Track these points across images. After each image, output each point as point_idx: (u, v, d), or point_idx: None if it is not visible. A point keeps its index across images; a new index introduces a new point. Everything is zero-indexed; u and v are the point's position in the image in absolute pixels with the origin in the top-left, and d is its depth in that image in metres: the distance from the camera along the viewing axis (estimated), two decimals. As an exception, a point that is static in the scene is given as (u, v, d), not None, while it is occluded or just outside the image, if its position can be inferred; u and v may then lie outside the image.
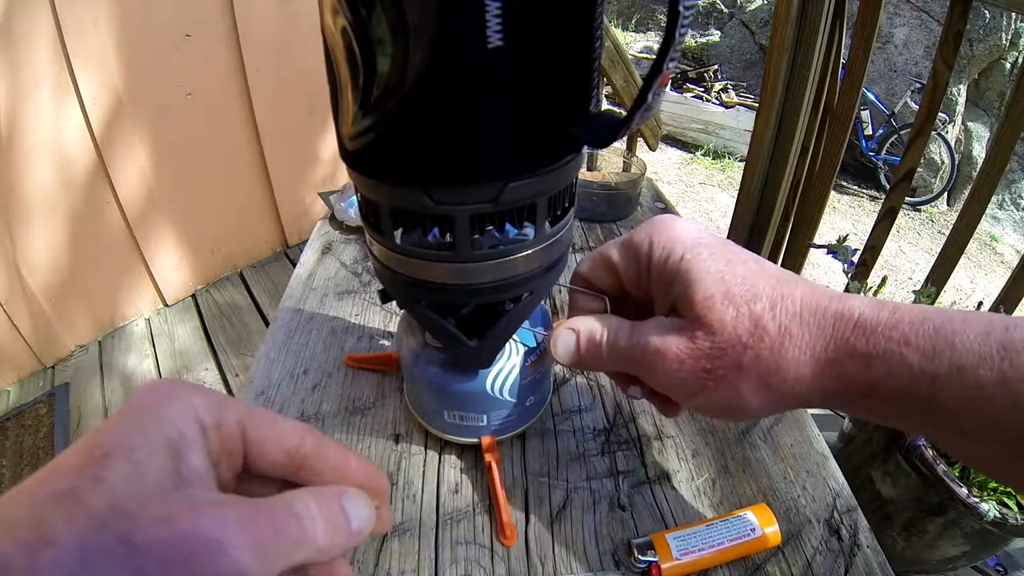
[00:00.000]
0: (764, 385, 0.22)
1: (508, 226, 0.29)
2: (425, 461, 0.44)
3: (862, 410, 0.21)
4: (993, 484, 0.72)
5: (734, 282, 0.21)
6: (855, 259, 0.89)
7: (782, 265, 1.29)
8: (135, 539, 0.13)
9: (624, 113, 0.26)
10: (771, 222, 1.25)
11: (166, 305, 1.87)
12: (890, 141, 3.78)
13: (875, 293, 0.81)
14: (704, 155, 4.01)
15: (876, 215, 0.99)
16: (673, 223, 0.25)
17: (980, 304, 0.77)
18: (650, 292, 0.25)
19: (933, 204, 3.77)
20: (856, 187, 3.90)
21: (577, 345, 0.28)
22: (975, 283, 2.94)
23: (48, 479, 0.14)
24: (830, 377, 0.21)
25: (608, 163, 0.87)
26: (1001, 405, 0.17)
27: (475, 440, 0.42)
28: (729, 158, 3.95)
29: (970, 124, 3.91)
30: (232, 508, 0.15)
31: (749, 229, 1.29)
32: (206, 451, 0.17)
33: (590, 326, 0.28)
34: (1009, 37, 3.67)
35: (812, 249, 1.11)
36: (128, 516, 0.14)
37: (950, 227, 0.89)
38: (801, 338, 0.20)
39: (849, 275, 0.92)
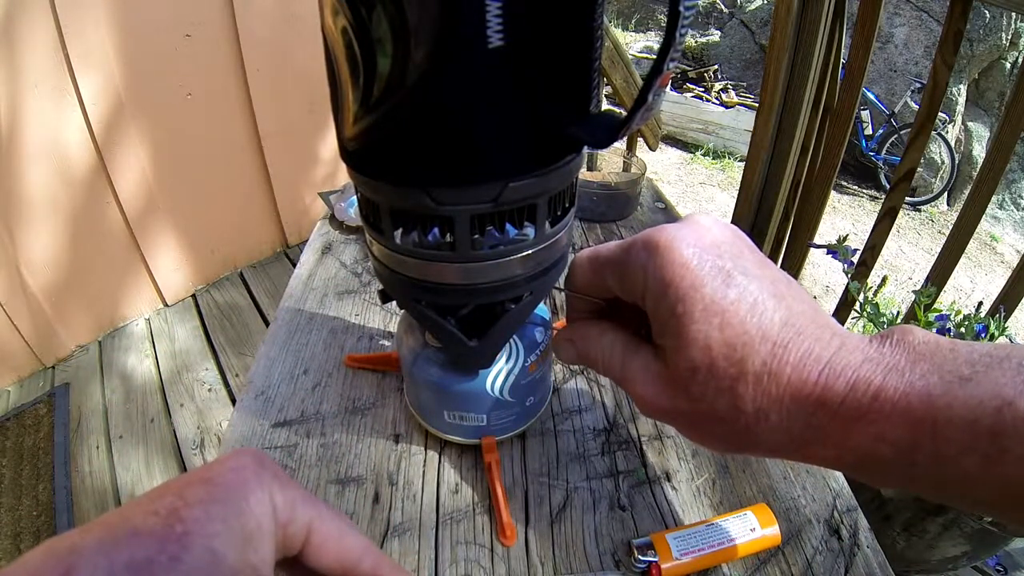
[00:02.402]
0: (734, 448, 0.23)
1: (508, 226, 0.29)
2: (425, 461, 0.44)
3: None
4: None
5: (721, 353, 0.20)
6: (855, 259, 0.89)
7: (781, 265, 1.29)
8: None
9: (624, 113, 0.26)
10: (771, 222, 1.25)
11: (166, 305, 1.87)
12: (890, 141, 3.78)
13: (875, 293, 0.81)
14: (704, 155, 4.01)
15: (876, 215, 0.99)
16: (670, 250, 0.22)
17: (980, 304, 0.77)
18: (644, 310, 0.25)
19: (933, 204, 3.77)
20: (856, 187, 3.90)
21: (576, 356, 0.30)
22: (975, 283, 2.94)
23: (126, 542, 0.14)
24: (802, 453, 0.21)
25: (608, 163, 0.87)
26: (986, 487, 0.17)
27: (475, 440, 0.42)
28: (729, 158, 3.95)
29: (970, 124, 3.91)
30: None
31: (749, 229, 1.29)
32: (274, 543, 0.18)
33: (587, 344, 0.28)
34: (1009, 37, 3.67)
35: (812, 249, 1.10)
36: None
37: (950, 227, 0.89)
38: (778, 423, 0.20)
39: (849, 275, 0.92)
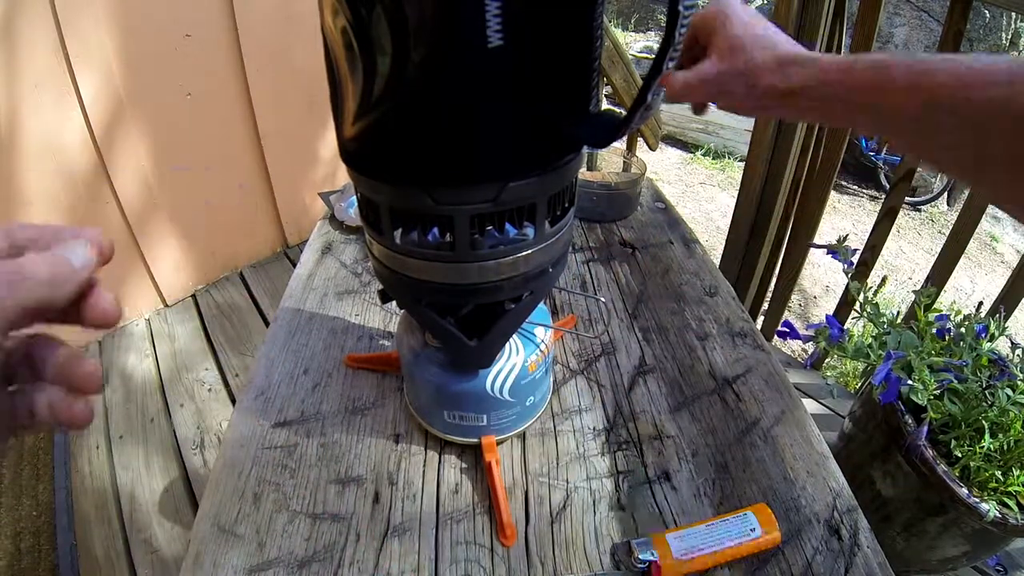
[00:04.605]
0: (775, 89, 0.35)
1: (508, 226, 0.29)
2: (425, 461, 0.44)
3: (795, 111, 0.36)
4: (993, 484, 0.72)
5: (751, 32, 0.36)
6: (855, 259, 0.89)
7: (782, 265, 1.30)
8: None
9: (624, 113, 0.26)
10: (771, 222, 1.25)
11: (166, 305, 1.87)
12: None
13: (875, 293, 0.81)
14: (704, 155, 4.01)
15: (876, 215, 0.99)
16: (729, 4, 0.36)
17: (980, 304, 0.77)
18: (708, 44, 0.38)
19: (933, 204, 3.76)
20: (856, 187, 3.90)
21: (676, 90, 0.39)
22: (975, 283, 2.94)
23: None
24: (781, 80, 0.34)
25: (608, 163, 0.87)
26: (841, 89, 0.32)
27: (475, 440, 0.42)
28: (729, 158, 3.95)
29: (970, 124, 3.90)
30: None
31: (749, 229, 1.29)
32: None
33: (678, 75, 0.39)
34: (1009, 37, 3.68)
35: (812, 249, 1.11)
36: None
37: (950, 227, 0.89)
38: (769, 54, 0.35)
39: (849, 275, 0.92)
